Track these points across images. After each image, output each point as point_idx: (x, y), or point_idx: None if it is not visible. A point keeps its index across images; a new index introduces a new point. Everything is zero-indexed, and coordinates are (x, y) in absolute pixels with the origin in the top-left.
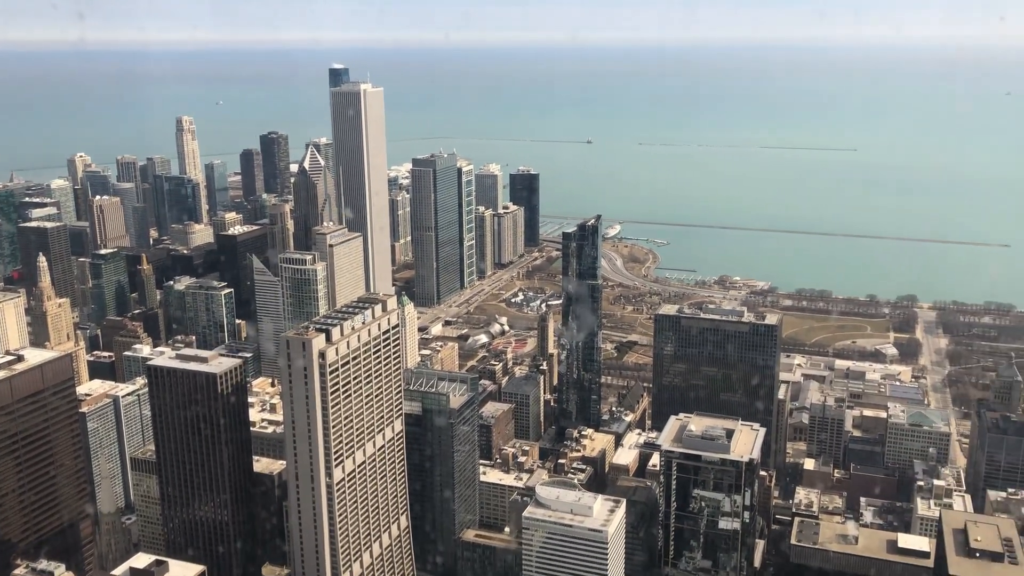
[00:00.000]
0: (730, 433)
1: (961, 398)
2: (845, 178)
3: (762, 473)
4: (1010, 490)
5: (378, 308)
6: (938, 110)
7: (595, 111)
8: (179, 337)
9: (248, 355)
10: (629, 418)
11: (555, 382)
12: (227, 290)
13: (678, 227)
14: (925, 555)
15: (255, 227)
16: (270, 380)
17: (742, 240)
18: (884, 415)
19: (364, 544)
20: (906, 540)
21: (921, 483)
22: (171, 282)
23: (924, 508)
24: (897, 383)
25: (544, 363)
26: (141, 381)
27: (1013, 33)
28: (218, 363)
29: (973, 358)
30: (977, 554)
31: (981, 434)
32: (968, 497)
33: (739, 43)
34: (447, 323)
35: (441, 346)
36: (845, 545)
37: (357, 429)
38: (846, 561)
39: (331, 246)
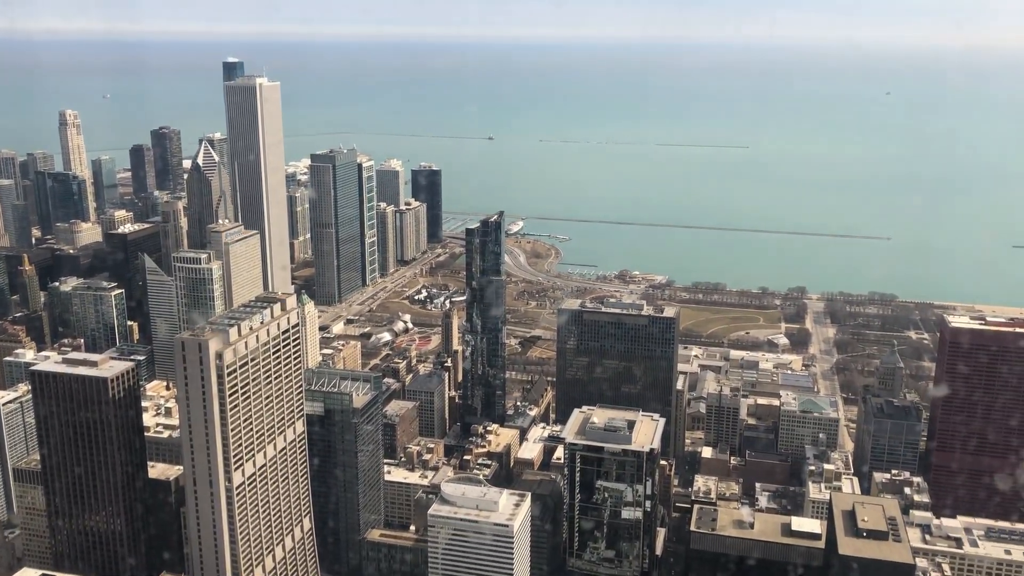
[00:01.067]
0: (631, 424)
1: (848, 385)
2: (738, 175)
3: (662, 462)
4: (894, 471)
5: (277, 307)
6: (824, 109)
7: (497, 107)
8: (66, 340)
9: (141, 358)
10: (534, 412)
11: (460, 379)
12: (117, 291)
13: (579, 223)
14: (817, 536)
15: (147, 225)
16: (165, 383)
17: (641, 235)
18: (777, 403)
19: (266, 548)
20: (799, 523)
21: (812, 467)
22: (56, 283)
23: (815, 491)
24: (789, 372)
25: (448, 360)
26: (24, 388)
27: (893, 35)
28: (109, 367)
29: (859, 346)
30: (865, 533)
31: (867, 419)
32: (856, 480)
33: (640, 41)
34: (349, 321)
35: (343, 345)
36: (742, 530)
37: (257, 432)
38: (743, 545)
39: (227, 244)
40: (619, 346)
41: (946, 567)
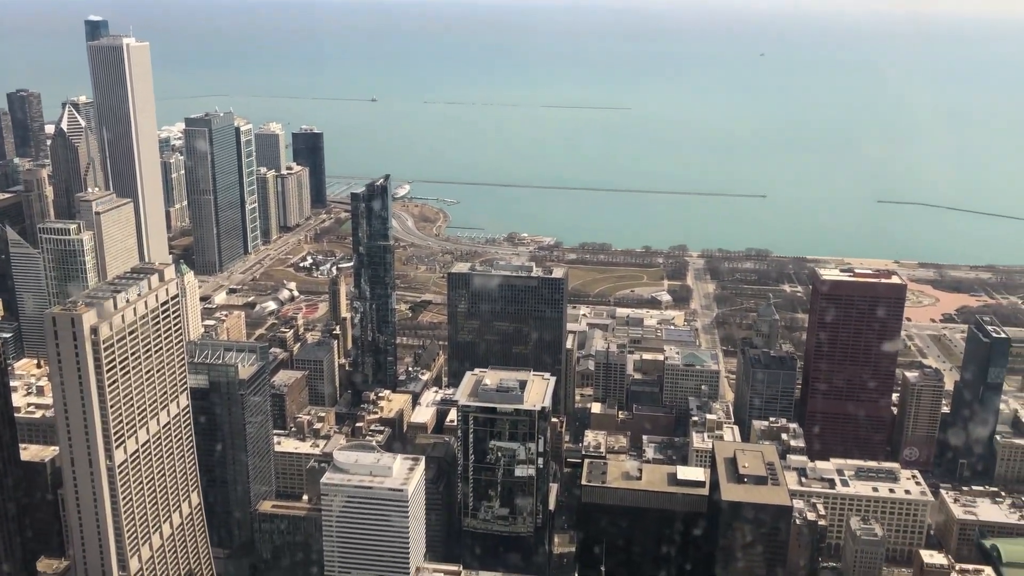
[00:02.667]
0: (523, 384)
1: (728, 338)
2: (621, 136)
3: (553, 420)
4: (771, 419)
5: (154, 278)
6: (701, 70)
7: (380, 68)
8: None
9: (7, 335)
10: (426, 377)
11: (349, 346)
12: None
13: (467, 186)
14: (701, 484)
15: (7, 195)
16: (36, 361)
17: (529, 197)
18: (661, 358)
19: (152, 526)
20: (684, 472)
21: (695, 418)
22: None
23: (699, 441)
24: (672, 327)
25: (337, 327)
26: None
27: None
28: None
29: (737, 301)
30: (745, 479)
31: (746, 370)
32: (736, 428)
33: (521, 2)
34: (232, 291)
35: (226, 315)
36: (630, 481)
37: (138, 407)
38: (632, 496)
39: (98, 213)
40: (509, 308)
41: (820, 506)
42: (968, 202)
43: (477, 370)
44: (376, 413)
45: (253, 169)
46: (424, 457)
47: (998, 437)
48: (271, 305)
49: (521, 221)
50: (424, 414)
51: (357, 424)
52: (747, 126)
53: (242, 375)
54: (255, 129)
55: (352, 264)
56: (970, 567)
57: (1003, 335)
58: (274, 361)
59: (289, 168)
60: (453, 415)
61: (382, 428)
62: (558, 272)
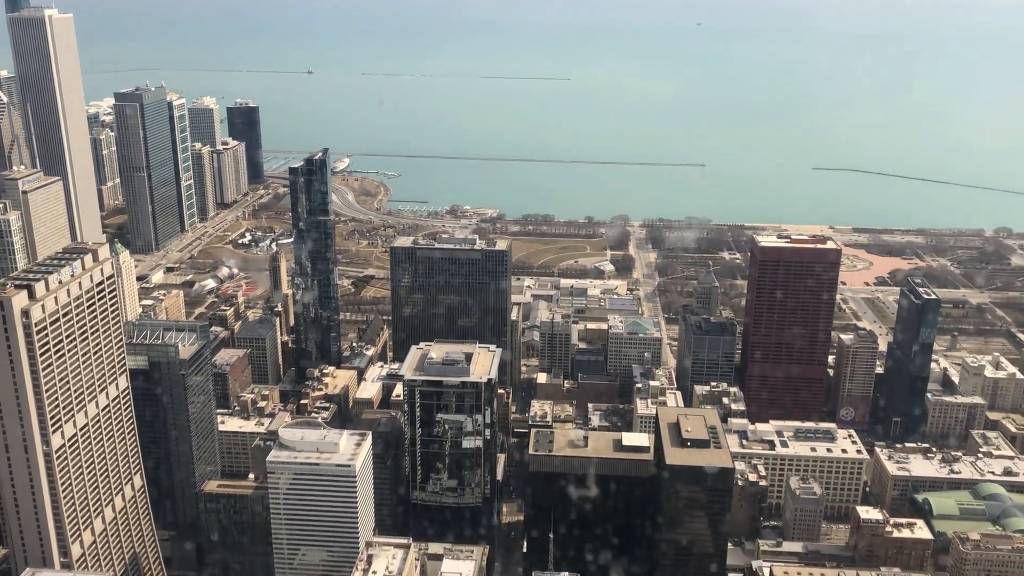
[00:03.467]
0: (469, 357)
1: (670, 305)
2: (561, 106)
3: (500, 391)
4: (712, 383)
5: (88, 258)
6: (639, 40)
7: (315, 39)
8: None
9: None
10: (370, 352)
11: (292, 323)
12: None
13: (408, 159)
14: (646, 449)
15: None
16: None
17: (470, 170)
18: (605, 327)
19: (94, 511)
20: (629, 438)
21: (639, 385)
22: None
23: (643, 407)
24: (615, 296)
25: (279, 304)
26: None
27: None
28: None
29: (678, 269)
30: (689, 443)
31: (687, 336)
32: (679, 394)
33: None
34: (169, 270)
35: (164, 295)
36: (577, 449)
37: (75, 391)
38: (578, 464)
39: (25, 192)
40: (454, 281)
41: (761, 467)
42: (900, 168)
43: (423, 344)
44: (321, 390)
45: (187, 145)
46: (371, 432)
47: (929, 395)
48: (210, 283)
49: (463, 194)
50: (370, 389)
51: (302, 401)
52: (685, 96)
53: (182, 355)
54: (188, 104)
55: (292, 240)
56: (903, 521)
57: (934, 296)
58: (215, 340)
59: (225, 143)
60: (399, 390)
61: (327, 405)
62: (501, 244)
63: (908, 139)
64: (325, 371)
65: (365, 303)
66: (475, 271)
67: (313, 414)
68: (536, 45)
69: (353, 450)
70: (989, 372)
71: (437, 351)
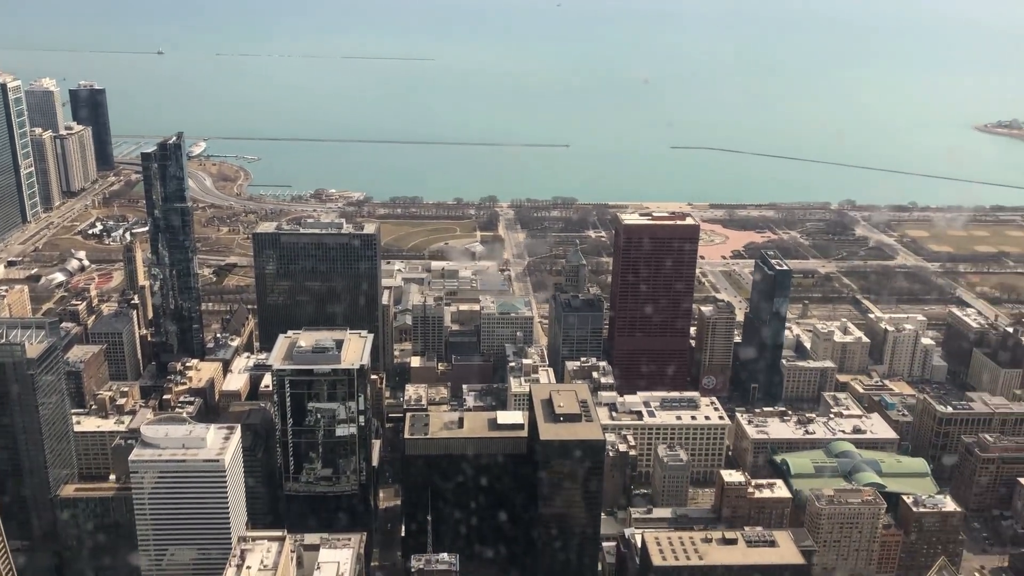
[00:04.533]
0: (340, 343)
1: (540, 284)
2: (426, 87)
3: (373, 377)
4: (583, 359)
5: None
6: (501, 20)
7: (164, 18)
8: None
9: None
10: (236, 343)
11: (150, 315)
12: None
13: (269, 142)
14: (520, 427)
15: None
16: None
17: (335, 152)
18: (477, 308)
19: None
20: (504, 416)
21: (512, 364)
22: None
23: (516, 385)
24: (486, 277)
25: (135, 297)
26: None
27: None
28: None
29: (547, 248)
30: (561, 418)
31: (557, 314)
32: (551, 370)
33: None
34: (11, 264)
35: (7, 290)
36: (452, 431)
37: None
38: (454, 444)
39: None
40: (321, 267)
41: (631, 437)
42: (753, 146)
43: (291, 332)
44: (184, 384)
45: (26, 130)
46: (240, 425)
47: (784, 361)
48: (58, 277)
49: (328, 177)
50: (237, 381)
51: (164, 397)
52: (548, 76)
53: (30, 354)
54: (25, 86)
55: (147, 229)
56: (764, 482)
57: (785, 267)
58: (67, 336)
59: (68, 128)
60: (268, 380)
61: (192, 399)
62: (370, 228)
63: (761, 118)
64: (188, 364)
65: (228, 292)
66: (343, 256)
67: (177, 409)
68: (398, 25)
69: (221, 444)
70: (838, 337)
71: (306, 339)
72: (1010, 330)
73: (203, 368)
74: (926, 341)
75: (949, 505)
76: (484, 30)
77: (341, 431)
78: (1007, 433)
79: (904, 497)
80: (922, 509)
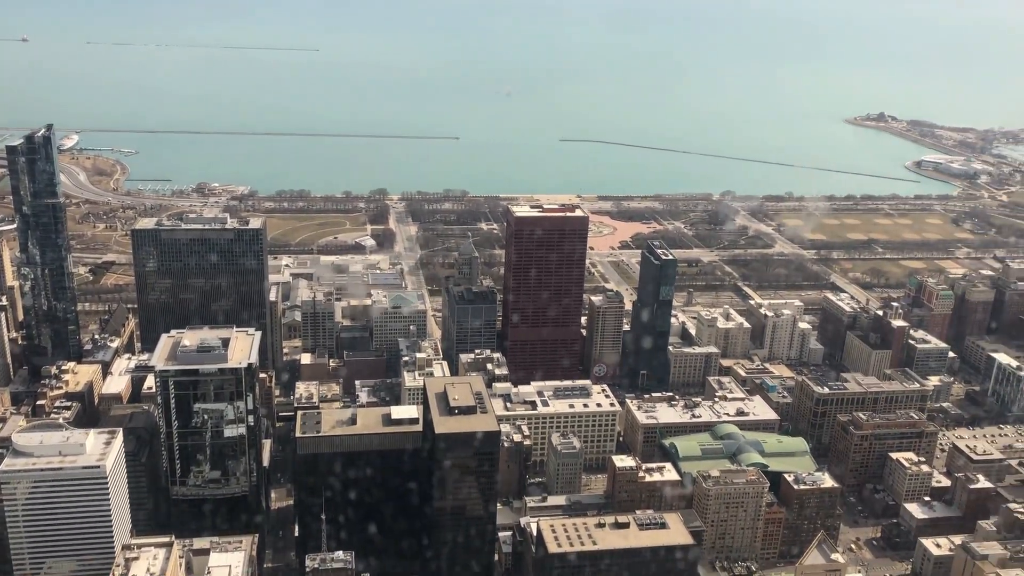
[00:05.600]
0: (226, 342)
1: (432, 278)
2: (312, 78)
3: (262, 375)
4: (477, 351)
5: None
6: (387, 11)
7: (27, 3)
8: None
9: None
10: (116, 344)
11: (21, 317)
12: None
13: (147, 134)
14: (415, 421)
15: None
16: None
17: (217, 145)
18: (369, 303)
19: None
20: (398, 411)
21: (406, 358)
22: None
23: (411, 380)
24: (377, 271)
25: (3, 298)
26: None
27: None
28: None
29: (439, 241)
30: (456, 411)
31: (450, 306)
32: (445, 363)
33: None
34: None
35: None
36: (345, 428)
37: None
38: (348, 442)
39: None
40: (205, 263)
41: (525, 427)
42: (639, 139)
43: (174, 331)
44: (60, 388)
45: None
46: (122, 429)
47: (671, 348)
48: None
49: (211, 170)
50: (117, 384)
51: (38, 402)
52: (436, 68)
53: None
54: None
55: (15, 226)
56: (654, 465)
57: (671, 257)
58: None
59: None
60: (151, 381)
61: (69, 404)
62: (255, 222)
63: (646, 111)
64: (64, 367)
65: (107, 291)
66: (228, 251)
67: (52, 415)
68: (282, 15)
69: (102, 450)
70: (721, 323)
71: (191, 338)
72: (880, 313)
73: (80, 371)
74: (803, 325)
75: (827, 481)
76: (370, 21)
77: (230, 432)
78: (879, 411)
79: (785, 475)
80: (802, 486)
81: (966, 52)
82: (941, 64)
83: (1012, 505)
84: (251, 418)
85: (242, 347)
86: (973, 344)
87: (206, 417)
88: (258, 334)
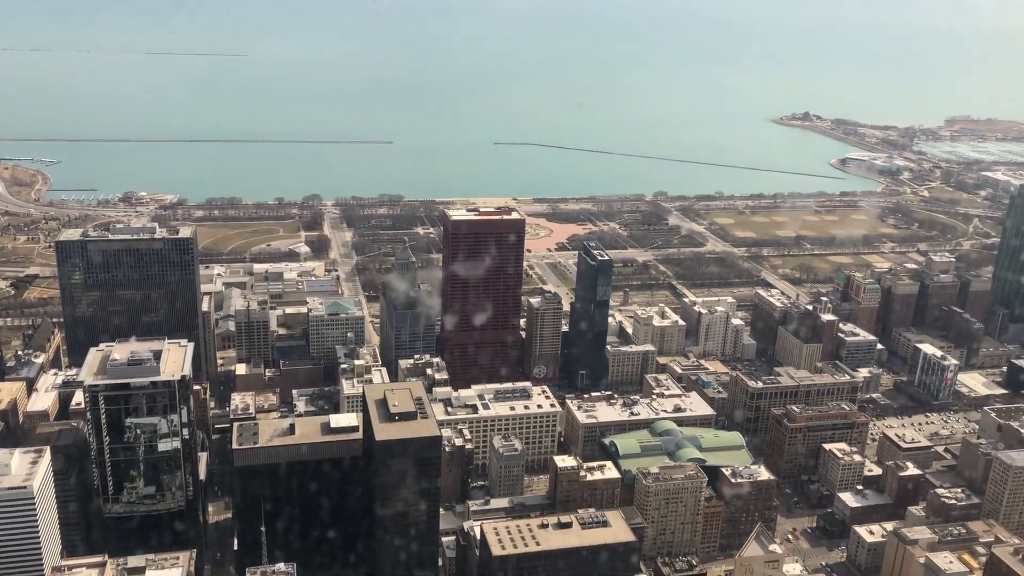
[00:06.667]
0: (158, 354)
1: (369, 283)
2: (239, 84)
3: (196, 387)
4: (416, 356)
5: None
6: (315, 15)
7: None
8: None
9: None
10: (41, 359)
11: None
12: None
13: (69, 143)
14: (355, 429)
15: None
16: None
17: (144, 153)
18: (305, 310)
19: None
20: (337, 419)
21: (344, 366)
22: None
23: (349, 387)
24: (313, 278)
25: None
26: None
27: None
28: None
29: (375, 246)
30: (397, 417)
31: (388, 312)
32: (384, 370)
33: None
34: None
35: None
36: (283, 438)
37: None
38: (286, 452)
39: None
40: (133, 275)
41: (466, 431)
42: (572, 141)
43: (103, 345)
44: None
45: None
46: (49, 447)
47: (609, 347)
48: None
49: (137, 179)
50: (43, 400)
51: None
52: (366, 72)
53: None
54: None
55: None
56: (595, 464)
57: (606, 258)
58: None
59: None
60: (80, 397)
61: None
62: (185, 231)
63: (579, 114)
64: None
65: (30, 305)
66: (158, 262)
67: None
68: (208, 20)
69: (28, 469)
70: (656, 322)
71: (120, 351)
72: (810, 308)
73: (3, 388)
74: (736, 322)
75: (763, 474)
76: (298, 26)
77: (164, 446)
78: (811, 403)
79: (723, 469)
80: (739, 480)
81: (894, 55)
82: (867, 66)
83: (939, 490)
84: (186, 431)
85: (175, 359)
86: (900, 336)
87: (139, 432)
88: (191, 345)
